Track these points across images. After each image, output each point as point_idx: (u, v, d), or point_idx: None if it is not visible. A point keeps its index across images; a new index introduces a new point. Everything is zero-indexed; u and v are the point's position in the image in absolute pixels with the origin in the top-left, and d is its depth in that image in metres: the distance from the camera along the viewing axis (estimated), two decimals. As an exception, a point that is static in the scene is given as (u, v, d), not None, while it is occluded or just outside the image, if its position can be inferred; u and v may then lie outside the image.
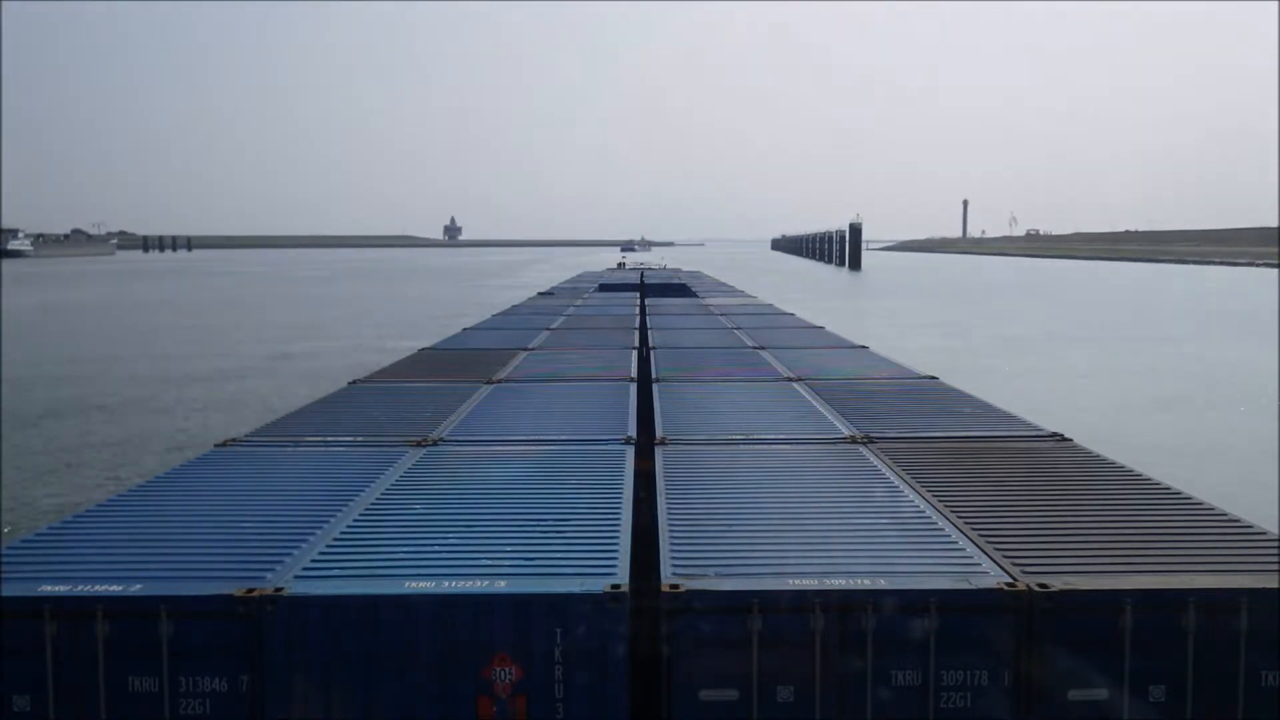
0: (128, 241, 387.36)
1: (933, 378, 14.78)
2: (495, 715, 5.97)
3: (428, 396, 12.81)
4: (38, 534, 7.44)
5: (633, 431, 10.57)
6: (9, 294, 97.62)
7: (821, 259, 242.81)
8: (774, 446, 10.01)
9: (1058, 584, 6.11)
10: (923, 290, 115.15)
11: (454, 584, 6.14)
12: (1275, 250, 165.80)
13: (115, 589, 6.09)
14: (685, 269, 71.30)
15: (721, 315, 26.76)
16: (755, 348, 18.34)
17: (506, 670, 5.96)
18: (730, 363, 16.48)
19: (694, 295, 38.04)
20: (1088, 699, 6.00)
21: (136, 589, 6.10)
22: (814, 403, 12.33)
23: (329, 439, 10.30)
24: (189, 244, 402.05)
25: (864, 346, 19.09)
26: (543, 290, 42.45)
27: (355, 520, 7.50)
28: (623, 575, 6.30)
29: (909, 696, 6.01)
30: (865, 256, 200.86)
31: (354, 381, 14.75)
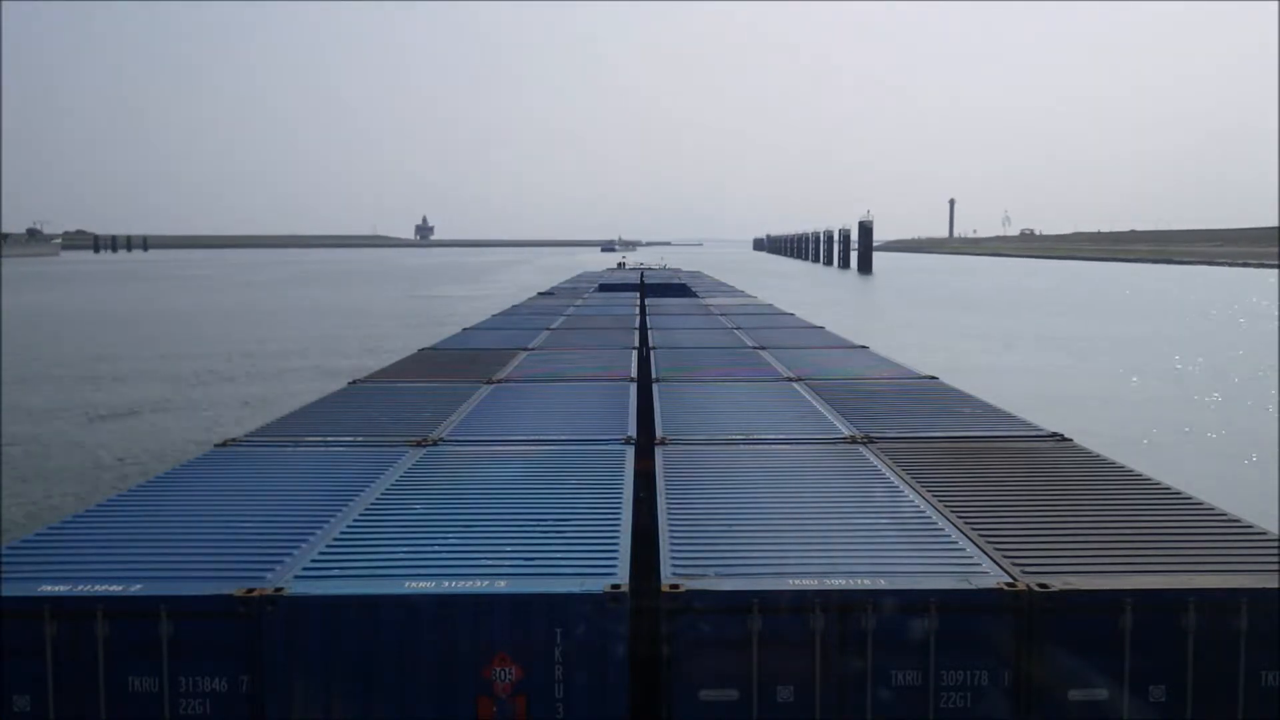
0: (78, 241, 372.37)
1: (933, 378, 14.79)
2: (495, 715, 5.97)
3: (428, 396, 12.81)
4: (38, 534, 7.44)
5: (633, 431, 10.57)
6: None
7: (813, 259, 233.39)
8: (774, 446, 10.01)
9: (1058, 584, 6.11)
10: (962, 300, 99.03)
11: (454, 584, 6.14)
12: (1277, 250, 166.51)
13: (115, 589, 6.09)
14: (684, 269, 71.31)
15: (721, 315, 26.76)
16: (755, 348, 18.35)
17: (506, 670, 5.96)
18: (730, 363, 16.49)
19: (694, 295, 38.06)
20: (1088, 699, 6.00)
21: (136, 589, 6.10)
22: (814, 403, 12.33)
23: (329, 439, 10.30)
24: (144, 244, 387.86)
25: (864, 346, 19.09)
26: (543, 290, 42.45)
27: (355, 520, 7.50)
28: (623, 575, 6.30)
29: (909, 696, 6.01)
30: (856, 257, 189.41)
31: (354, 381, 14.75)
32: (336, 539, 7.08)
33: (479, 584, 6.14)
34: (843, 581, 6.15)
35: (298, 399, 16.45)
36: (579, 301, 33.43)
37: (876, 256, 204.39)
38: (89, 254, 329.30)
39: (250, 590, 6.04)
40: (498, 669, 5.96)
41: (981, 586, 6.15)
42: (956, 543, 6.98)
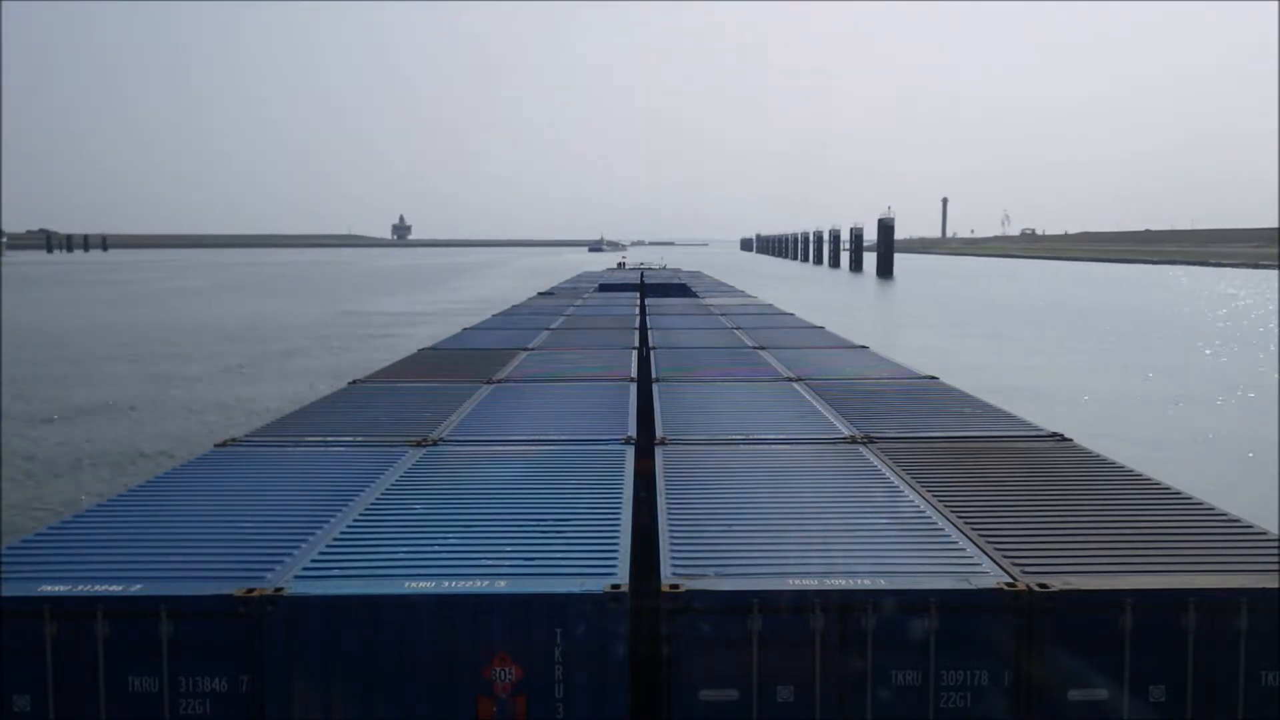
0: (28, 241, 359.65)
1: (933, 378, 14.79)
2: (495, 715, 5.96)
3: (428, 396, 12.81)
4: (38, 534, 7.44)
5: (633, 431, 10.57)
6: None
7: (812, 260, 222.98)
8: (774, 446, 10.01)
9: (1058, 584, 6.11)
10: (1031, 313, 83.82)
11: (454, 584, 6.14)
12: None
13: (115, 589, 6.09)
14: (684, 269, 71.28)
15: (721, 315, 26.76)
16: (755, 348, 18.35)
17: (506, 670, 5.96)
18: (730, 363, 16.49)
19: (694, 295, 38.06)
20: (1088, 699, 6.00)
21: (136, 589, 6.10)
22: (814, 403, 12.33)
23: (329, 439, 10.30)
24: (104, 243, 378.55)
25: (864, 346, 19.09)
26: (542, 291, 42.46)
27: (355, 520, 7.49)
28: (623, 575, 6.30)
29: (909, 696, 6.01)
30: (876, 259, 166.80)
31: (354, 381, 14.75)
32: (336, 539, 7.07)
33: (479, 584, 6.14)
34: (843, 581, 6.15)
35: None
36: (579, 301, 33.42)
37: (869, 258, 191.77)
38: (40, 254, 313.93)
39: (250, 590, 6.03)
40: (498, 669, 5.96)
41: (981, 586, 6.15)
42: (956, 543, 6.98)
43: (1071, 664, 6.00)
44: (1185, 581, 6.20)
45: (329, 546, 6.92)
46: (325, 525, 7.35)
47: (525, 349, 18.38)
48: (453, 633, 5.98)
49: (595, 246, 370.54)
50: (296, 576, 6.32)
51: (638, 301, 33.32)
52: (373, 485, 8.43)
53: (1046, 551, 6.74)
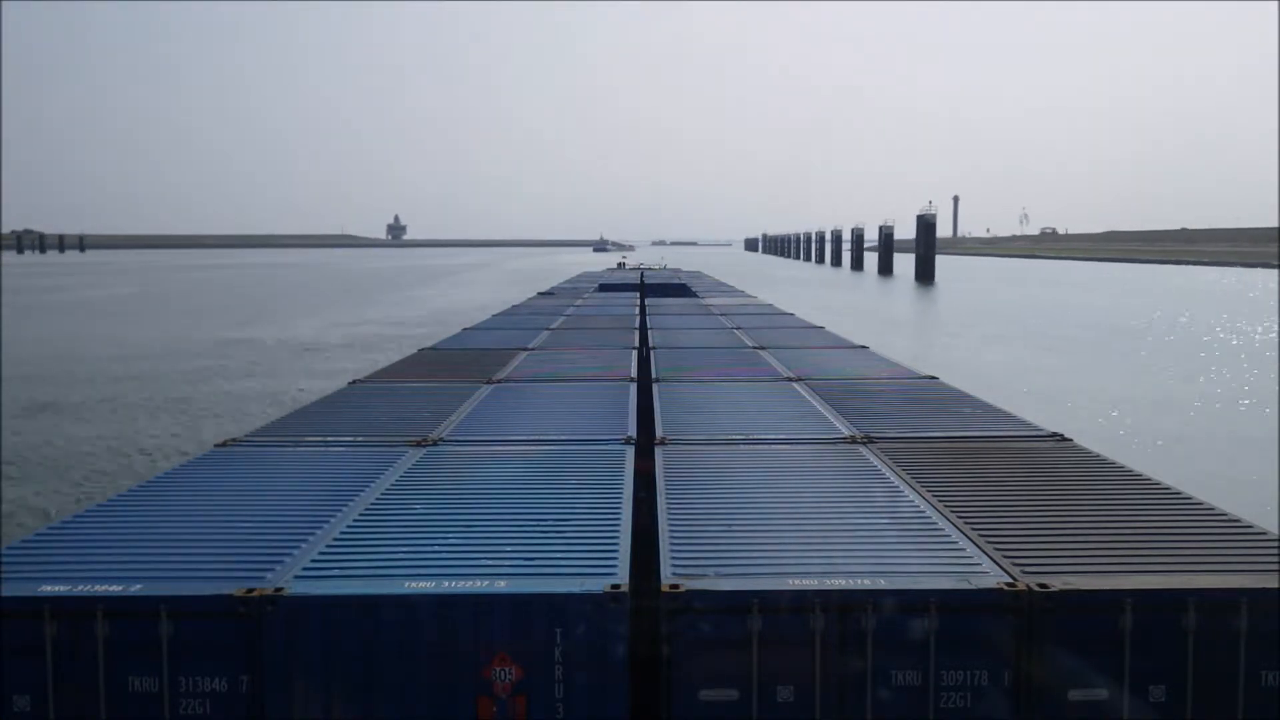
0: (8, 242, 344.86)
1: (933, 378, 14.79)
2: (495, 715, 5.96)
3: (428, 396, 12.81)
4: (38, 534, 7.44)
5: (633, 431, 10.57)
6: None
7: (829, 262, 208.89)
8: (774, 446, 10.01)
9: (1058, 584, 6.11)
10: (1093, 322, 74.36)
11: (454, 584, 6.14)
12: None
13: (115, 589, 6.09)
14: (685, 269, 71.24)
15: (721, 315, 26.76)
16: (755, 348, 18.35)
17: (506, 670, 5.96)
18: (730, 363, 16.48)
19: (694, 295, 38.06)
20: (1088, 699, 6.00)
21: (136, 589, 6.10)
22: (814, 403, 12.33)
23: (329, 439, 10.30)
24: (81, 244, 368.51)
25: (864, 346, 19.09)
26: (543, 291, 42.46)
27: (355, 520, 7.49)
28: (623, 575, 6.30)
29: (909, 696, 6.00)
30: (915, 261, 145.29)
31: (354, 381, 14.75)
32: (336, 539, 7.07)
33: (479, 584, 6.14)
34: (843, 581, 6.15)
35: None
36: (579, 301, 33.43)
37: (871, 257, 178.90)
38: (11, 255, 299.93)
39: (250, 590, 6.03)
40: (498, 669, 5.96)
41: (981, 586, 6.15)
42: (956, 543, 6.98)
43: (1071, 664, 5.99)
44: (1185, 581, 6.20)
45: (329, 546, 6.91)
46: (325, 525, 7.35)
47: (525, 349, 18.38)
48: (453, 633, 5.97)
49: (599, 246, 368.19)
50: (296, 576, 6.32)
51: (638, 301, 33.32)
52: (373, 485, 8.43)
53: (1046, 551, 6.73)
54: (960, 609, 6.07)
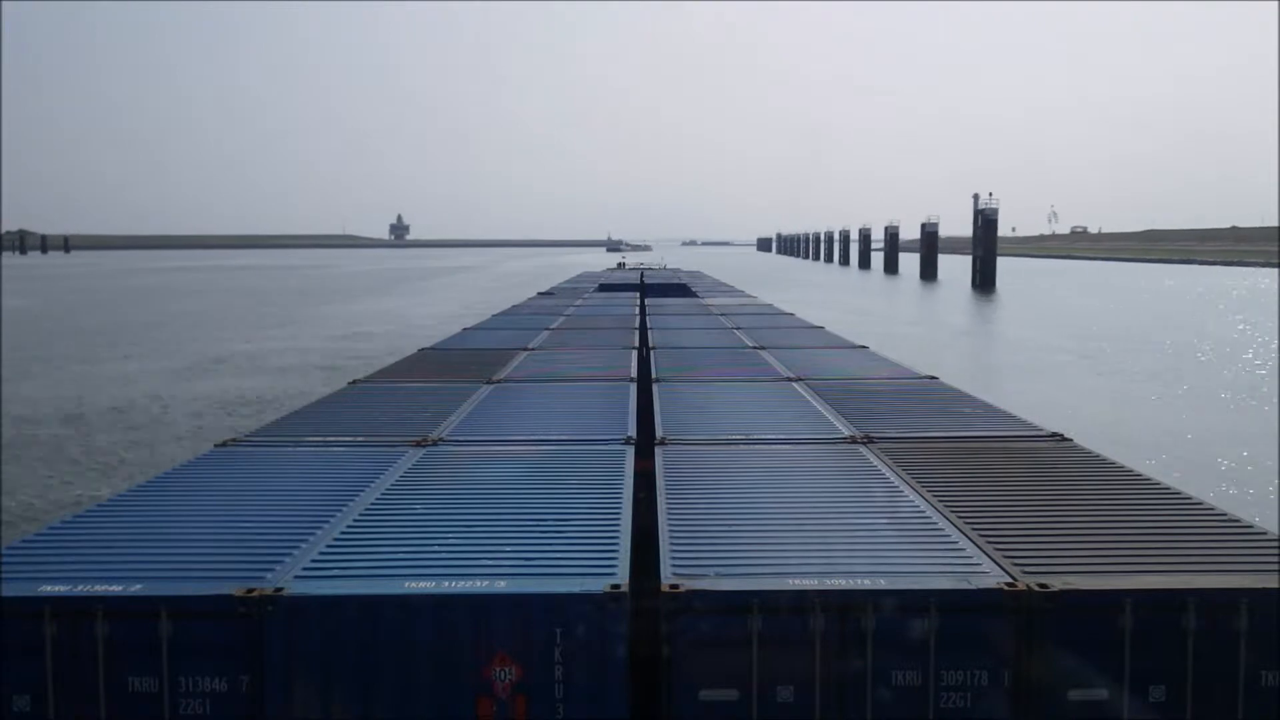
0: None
1: (933, 378, 14.79)
2: (495, 715, 5.96)
3: (428, 396, 12.81)
4: (38, 534, 7.44)
5: (633, 431, 10.57)
6: None
7: (855, 264, 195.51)
8: (774, 446, 10.01)
9: (1058, 584, 6.11)
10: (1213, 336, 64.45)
11: (454, 584, 6.14)
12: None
13: (115, 589, 6.09)
14: (685, 270, 71.19)
15: (721, 315, 26.77)
16: (755, 348, 18.35)
17: (506, 670, 5.96)
18: (730, 363, 16.49)
19: (694, 295, 38.07)
20: (1088, 699, 6.00)
21: (136, 589, 6.10)
22: (814, 403, 12.33)
23: (329, 439, 10.30)
24: (65, 244, 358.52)
25: (864, 346, 19.10)
26: (542, 291, 42.45)
27: (355, 520, 7.50)
28: (622, 575, 6.30)
29: (909, 696, 6.01)
30: (975, 266, 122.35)
31: (354, 381, 14.76)
32: (336, 539, 7.07)
33: (479, 584, 6.14)
34: (843, 581, 6.15)
35: None
36: (579, 301, 33.43)
37: (904, 259, 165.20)
38: None
39: (250, 590, 6.03)
40: (497, 669, 5.96)
41: (981, 586, 6.15)
42: (956, 543, 6.98)
43: (1071, 664, 5.99)
44: (1185, 581, 6.20)
45: (329, 546, 6.92)
46: (325, 525, 7.35)
47: (525, 349, 18.38)
48: (452, 633, 5.97)
49: (613, 246, 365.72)
50: (296, 576, 6.32)
51: (638, 301, 33.32)
52: (373, 485, 8.43)
53: (1046, 551, 6.74)
54: (960, 609, 6.07)
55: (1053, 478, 8.71)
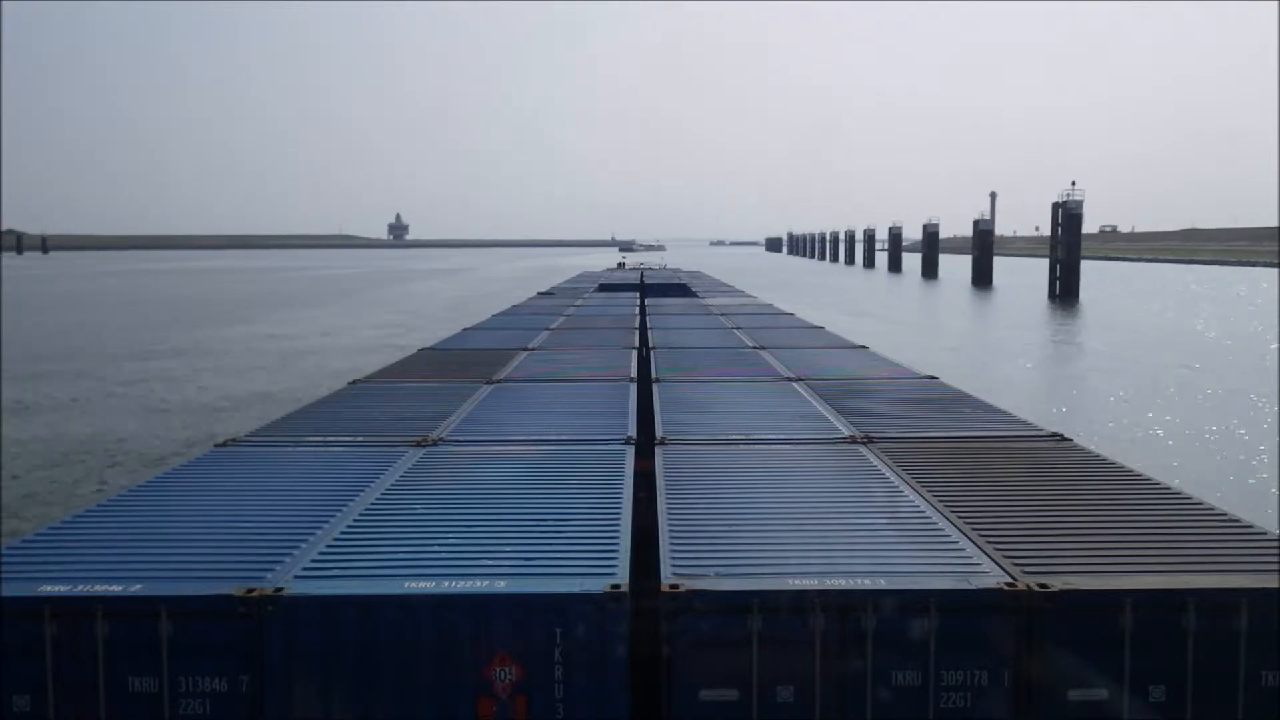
0: None
1: (933, 378, 14.79)
2: (495, 715, 5.97)
3: (428, 396, 12.81)
4: (38, 534, 7.44)
5: (633, 431, 10.57)
6: None
7: (885, 267, 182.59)
8: (774, 446, 10.01)
9: (1058, 584, 6.11)
10: None
11: (454, 584, 6.14)
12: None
13: (115, 589, 6.09)
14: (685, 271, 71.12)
15: (721, 315, 26.77)
16: (755, 348, 18.35)
17: (506, 670, 5.96)
18: (730, 363, 16.49)
19: (694, 295, 38.08)
20: (1088, 699, 6.00)
21: (136, 589, 6.10)
22: (814, 403, 12.33)
23: (329, 439, 10.30)
24: (44, 245, 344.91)
25: (864, 346, 19.10)
26: (542, 291, 42.42)
27: (355, 520, 7.50)
28: (622, 575, 6.30)
29: (909, 696, 6.01)
30: (1058, 272, 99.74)
31: (354, 381, 14.76)
32: (336, 539, 7.08)
33: (479, 584, 6.14)
34: (843, 581, 6.15)
35: None
36: (579, 301, 33.43)
37: (910, 259, 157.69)
38: None
39: (250, 590, 6.03)
40: (497, 669, 5.96)
41: (981, 586, 6.15)
42: (956, 543, 6.98)
43: (1071, 664, 6.00)
44: (1185, 581, 6.20)
45: (329, 546, 6.92)
46: (325, 525, 7.35)
47: (525, 349, 18.38)
48: (452, 633, 5.98)
49: (625, 246, 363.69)
50: (296, 576, 6.32)
51: (638, 301, 33.33)
52: (373, 485, 8.43)
53: (1046, 551, 6.74)
54: (960, 609, 6.07)
55: (1053, 478, 8.71)
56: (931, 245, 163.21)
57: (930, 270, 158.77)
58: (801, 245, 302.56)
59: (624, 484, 8.41)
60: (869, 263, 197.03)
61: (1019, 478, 8.72)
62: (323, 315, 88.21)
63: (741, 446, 9.98)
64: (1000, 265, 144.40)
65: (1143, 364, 54.12)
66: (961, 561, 6.61)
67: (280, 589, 6.07)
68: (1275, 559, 6.53)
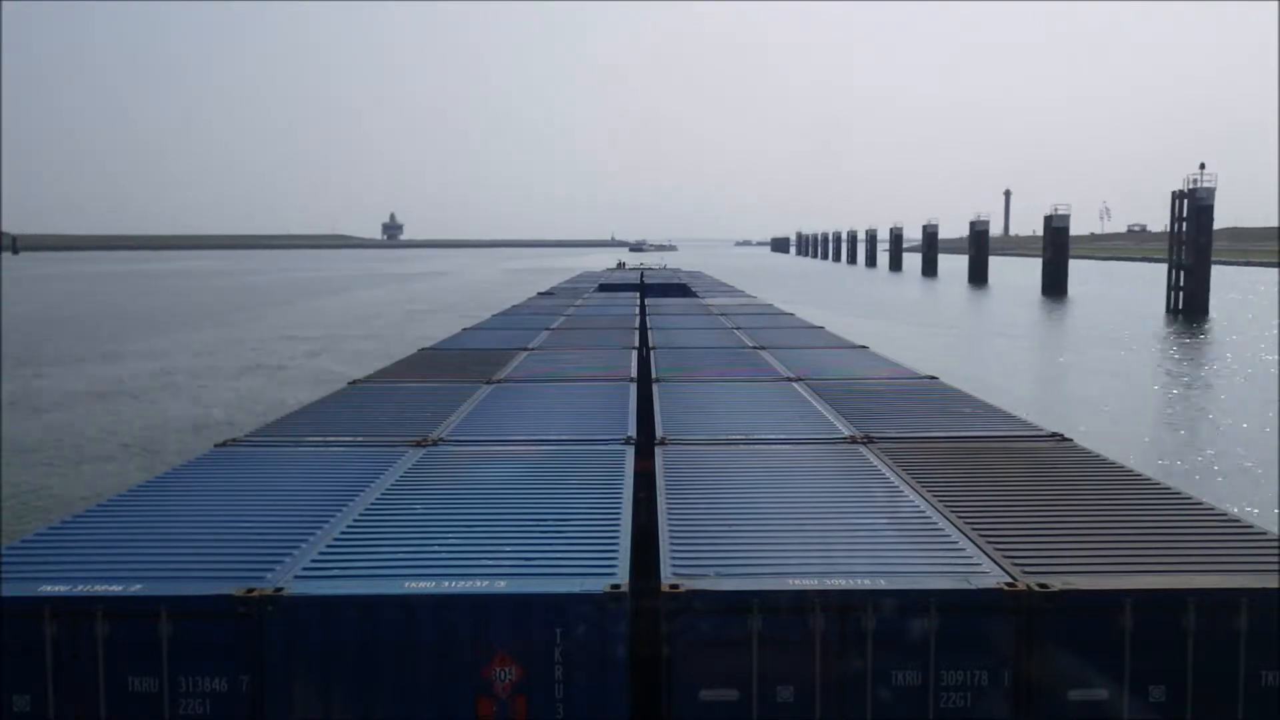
0: None
1: (933, 378, 14.79)
2: (495, 715, 5.97)
3: (428, 396, 12.81)
4: (38, 534, 7.44)
5: (633, 431, 10.57)
6: None
7: (899, 269, 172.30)
8: (774, 446, 10.01)
9: (1058, 584, 6.11)
10: None
11: (454, 584, 6.14)
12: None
13: (115, 589, 6.09)
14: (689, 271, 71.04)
15: (721, 315, 26.77)
16: (755, 348, 18.35)
17: (506, 670, 5.97)
18: (730, 363, 16.49)
19: (694, 295, 38.09)
20: (1088, 699, 6.00)
21: (136, 589, 6.10)
22: (814, 403, 12.34)
23: (329, 439, 10.30)
24: (14, 245, 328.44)
25: (864, 346, 19.11)
26: (542, 291, 42.42)
27: (355, 520, 7.50)
28: (622, 575, 6.30)
29: (909, 696, 6.01)
30: (1180, 283, 79.45)
31: (354, 381, 14.76)
32: (336, 539, 7.08)
33: (479, 584, 6.14)
34: (843, 581, 6.15)
35: None
36: (579, 302, 33.42)
37: (910, 259, 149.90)
38: None
39: (250, 590, 6.03)
40: (497, 669, 5.96)
41: (981, 586, 6.15)
42: (956, 543, 6.98)
43: (1071, 664, 6.00)
44: (1185, 581, 6.20)
45: (329, 546, 6.92)
46: (325, 525, 7.35)
47: (525, 349, 18.38)
48: (452, 633, 5.98)
49: (636, 246, 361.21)
50: (296, 576, 6.32)
51: (638, 301, 33.33)
52: (373, 485, 8.43)
53: (1046, 551, 6.74)
54: (960, 609, 6.07)
55: (1053, 478, 8.71)
56: (931, 245, 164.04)
57: (930, 269, 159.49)
58: (808, 245, 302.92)
59: (624, 484, 8.41)
60: (870, 262, 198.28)
61: (1019, 478, 8.73)
62: (219, 336, 68.34)
63: (741, 446, 9.98)
64: (1004, 265, 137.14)
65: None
66: (961, 561, 6.61)
67: (280, 589, 6.07)
68: (1275, 559, 6.53)
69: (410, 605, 6.01)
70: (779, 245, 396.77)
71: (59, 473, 29.76)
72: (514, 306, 32.54)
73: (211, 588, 6.13)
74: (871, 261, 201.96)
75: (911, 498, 8.08)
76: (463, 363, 16.47)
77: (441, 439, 10.24)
